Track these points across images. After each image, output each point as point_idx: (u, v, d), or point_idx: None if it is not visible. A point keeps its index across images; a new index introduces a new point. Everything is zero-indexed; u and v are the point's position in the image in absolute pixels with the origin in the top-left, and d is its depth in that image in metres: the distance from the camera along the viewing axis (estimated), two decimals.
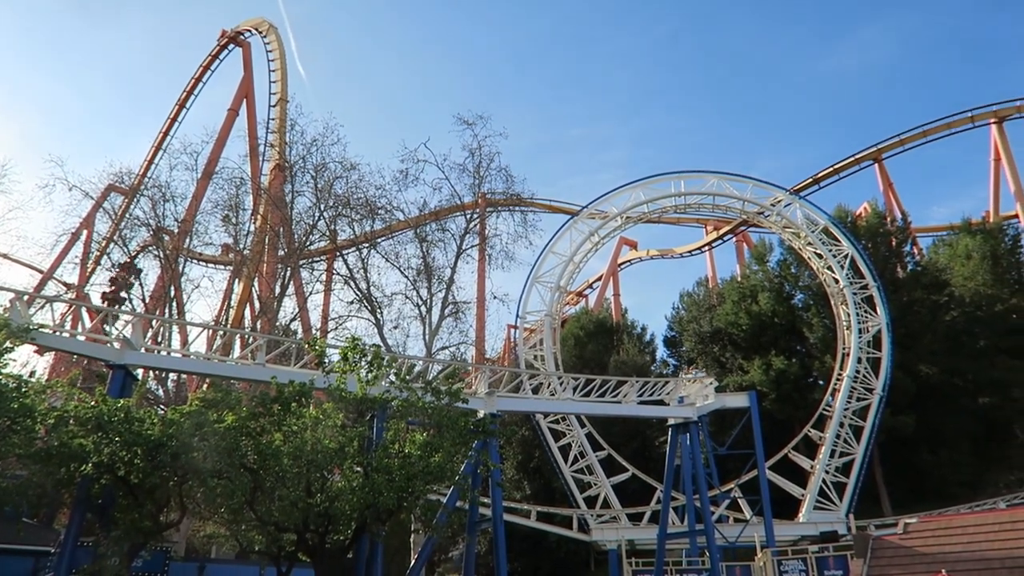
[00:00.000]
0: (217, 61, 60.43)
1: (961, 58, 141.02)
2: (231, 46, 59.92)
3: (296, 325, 41.61)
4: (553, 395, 32.56)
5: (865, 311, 41.39)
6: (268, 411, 19.61)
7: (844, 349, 41.48)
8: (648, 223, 59.34)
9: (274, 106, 52.54)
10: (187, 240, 38.07)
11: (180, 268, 36.78)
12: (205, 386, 27.74)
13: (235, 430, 18.34)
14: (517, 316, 43.61)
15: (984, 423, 42.86)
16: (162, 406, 35.30)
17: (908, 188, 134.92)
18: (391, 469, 18.71)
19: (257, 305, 39.32)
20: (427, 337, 36.17)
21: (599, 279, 69.93)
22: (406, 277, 37.42)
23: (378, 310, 36.44)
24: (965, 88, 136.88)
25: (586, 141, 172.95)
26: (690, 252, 67.87)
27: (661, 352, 58.37)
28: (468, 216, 39.55)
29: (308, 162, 37.17)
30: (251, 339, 26.08)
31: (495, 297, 40.69)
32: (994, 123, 53.78)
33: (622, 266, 70.96)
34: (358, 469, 19.41)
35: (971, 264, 46.99)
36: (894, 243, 49.22)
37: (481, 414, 25.85)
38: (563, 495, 40.79)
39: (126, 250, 36.98)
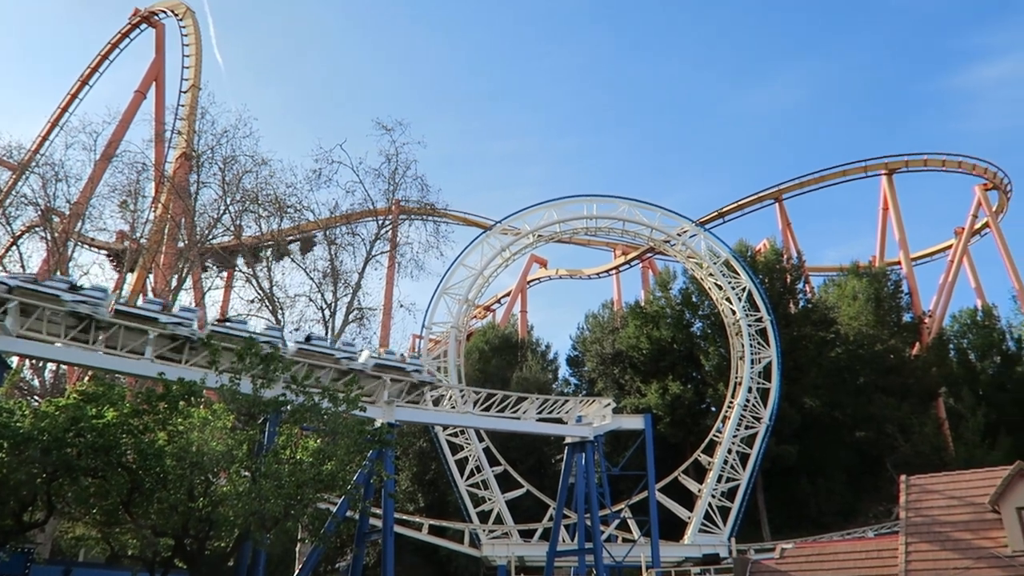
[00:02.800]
0: (127, 40, 57.67)
1: (862, 110, 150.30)
2: (144, 25, 57.34)
3: None
4: (454, 408, 32.46)
5: (758, 343, 43.21)
6: (153, 409, 18.69)
7: (737, 378, 43.13)
8: (559, 243, 60.42)
9: (185, 92, 50.54)
10: (79, 224, 36.03)
11: (69, 252, 34.75)
12: (87, 379, 26.26)
13: (115, 427, 17.37)
14: (423, 326, 43.35)
15: (859, 456, 45.40)
16: (36, 397, 33.20)
17: (805, 228, 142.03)
18: (280, 475, 18.13)
19: (151, 297, 37.54)
20: (328, 342, 35.37)
21: (508, 294, 70.28)
22: (311, 279, 36.58)
23: (280, 311, 35.44)
24: (862, 139, 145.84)
25: (507, 156, 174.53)
26: (598, 274, 69.15)
27: (564, 371, 59.21)
28: (380, 222, 39.09)
29: (217, 153, 35.90)
30: None
31: (402, 306, 40.19)
32: (884, 175, 57.35)
33: (531, 283, 71.59)
34: (245, 474, 18.72)
35: (856, 305, 49.84)
36: (789, 280, 51.69)
37: (379, 423, 25.51)
38: (457, 509, 40.59)
39: (9, 229, 34.66)
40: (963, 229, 59.39)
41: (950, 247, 61.86)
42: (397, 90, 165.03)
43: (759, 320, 43.53)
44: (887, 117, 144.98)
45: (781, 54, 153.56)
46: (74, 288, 22.28)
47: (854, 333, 49.01)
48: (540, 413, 32.84)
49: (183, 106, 49.15)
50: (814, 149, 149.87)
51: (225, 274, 39.29)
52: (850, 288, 51.38)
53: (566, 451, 33.87)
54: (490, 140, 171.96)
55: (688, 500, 40.23)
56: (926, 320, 53.07)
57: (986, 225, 59.63)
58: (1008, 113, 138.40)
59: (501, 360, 53.72)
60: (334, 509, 25.65)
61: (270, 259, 36.39)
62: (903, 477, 24.66)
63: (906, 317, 51.93)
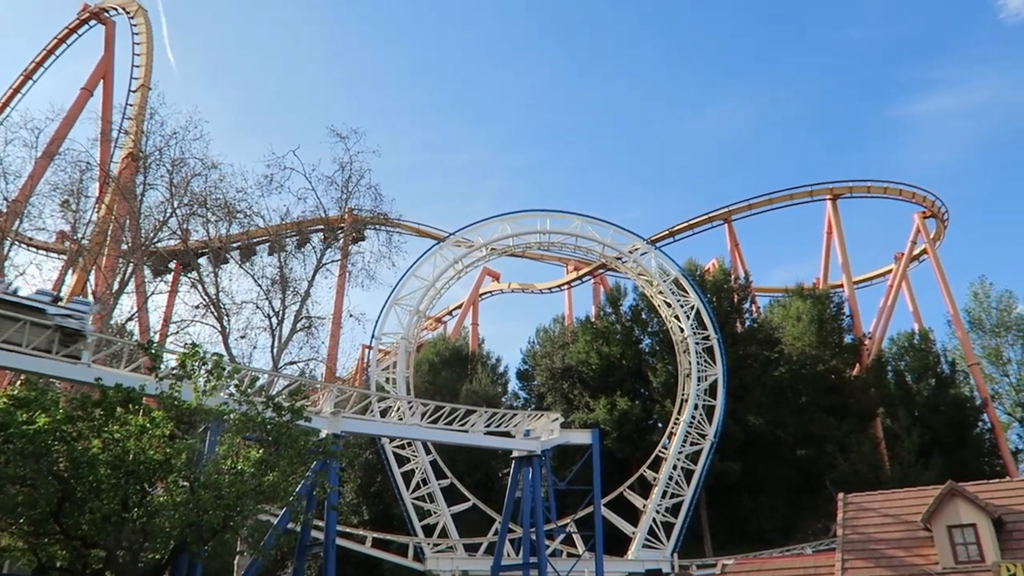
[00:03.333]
0: (75, 35, 56.23)
1: (809, 135, 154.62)
2: (93, 22, 55.98)
3: (132, 326, 38.90)
4: (401, 420, 32.15)
5: (705, 361, 43.87)
6: (88, 415, 18.04)
7: (683, 395, 43.69)
8: (512, 256, 60.53)
9: (134, 91, 49.38)
10: (16, 222, 34.81)
11: (4, 251, 33.53)
12: (19, 383, 25.28)
13: (47, 433, 16.71)
14: (373, 336, 42.93)
15: (800, 473, 46.34)
16: None
17: (752, 249, 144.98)
18: (220, 486, 17.69)
19: (91, 300, 36.43)
20: (275, 350, 34.79)
21: (459, 307, 70.10)
22: (259, 286, 35.89)
23: (225, 317, 34.71)
24: (809, 164, 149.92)
25: (463, 168, 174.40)
26: (550, 289, 69.50)
27: (513, 384, 59.18)
28: (332, 230, 38.66)
29: (165, 155, 35.08)
30: None
31: (351, 315, 39.75)
32: (829, 199, 59.02)
33: (483, 296, 71.54)
34: (184, 484, 18.21)
35: (800, 325, 51.05)
36: (736, 299, 52.69)
37: (324, 434, 25.11)
38: (402, 522, 40.17)
39: None
40: (903, 255, 61.37)
41: (890, 272, 63.83)
42: (352, 99, 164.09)
43: (706, 338, 44.22)
44: (833, 143, 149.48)
45: (731, 79, 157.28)
46: None
47: (797, 353, 50.16)
48: (488, 426, 32.74)
49: (131, 105, 48.01)
50: (763, 172, 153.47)
51: (170, 278, 38.33)
52: (794, 309, 52.60)
53: (513, 465, 33.82)
54: (444, 152, 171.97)
55: (633, 515, 40.50)
56: (866, 342, 54.59)
57: (924, 251, 61.72)
58: (944, 146, 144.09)
59: (451, 372, 53.48)
60: (275, 521, 25.15)
61: (217, 264, 35.61)
62: (841, 495, 25.29)
63: (847, 339, 53.32)
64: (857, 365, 52.72)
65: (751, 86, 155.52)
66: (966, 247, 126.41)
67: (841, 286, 58.00)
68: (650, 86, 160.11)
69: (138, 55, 52.00)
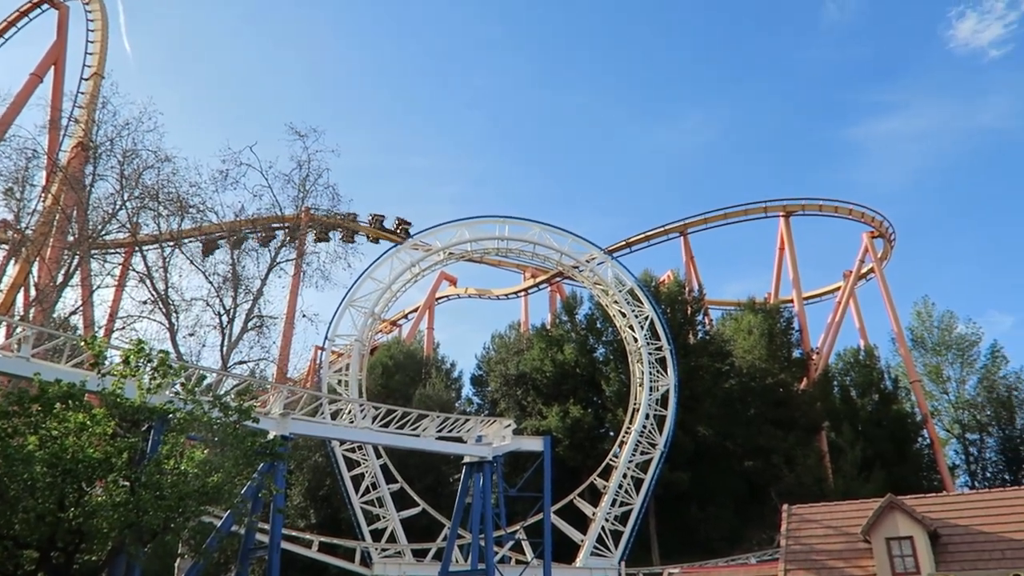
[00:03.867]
0: (26, 19, 54.51)
1: (765, 153, 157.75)
2: (45, 6, 54.35)
3: (76, 320, 37.76)
4: (352, 422, 31.79)
5: (657, 371, 44.32)
6: (25, 411, 17.40)
7: (635, 405, 44.06)
8: (470, 261, 60.39)
9: (87, 79, 48.06)
10: None
11: None
12: None
13: None
14: (326, 338, 42.43)
15: (747, 484, 47.11)
16: None
17: (707, 262, 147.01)
18: (162, 486, 17.21)
19: (33, 292, 35.29)
20: (225, 349, 34.08)
21: (415, 310, 69.75)
22: (210, 283, 35.14)
23: (174, 314, 33.90)
24: (764, 181, 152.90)
25: (425, 172, 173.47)
26: (506, 295, 69.56)
27: (467, 390, 59.08)
28: (287, 229, 38.09)
29: (117, 145, 34.12)
30: (19, 328, 23.29)
31: (304, 316, 39.13)
32: (783, 216, 60.29)
33: (440, 300, 71.27)
34: (124, 483, 17.68)
35: (751, 339, 51.98)
36: (689, 311, 53.44)
37: (272, 435, 24.67)
38: (350, 526, 39.72)
39: None
40: (851, 272, 62.93)
41: (838, 289, 65.38)
42: (314, 97, 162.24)
43: (659, 349, 44.68)
44: (788, 162, 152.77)
45: (694, 96, 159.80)
46: None
47: (747, 366, 51.06)
48: (441, 431, 32.53)
49: (83, 93, 46.71)
50: (720, 188, 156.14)
51: (117, 272, 37.30)
52: (746, 322, 53.55)
53: (464, 470, 33.68)
54: (407, 155, 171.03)
55: (582, 523, 40.65)
56: (814, 357, 55.85)
57: (871, 270, 63.42)
58: (892, 168, 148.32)
59: (405, 376, 53.16)
60: (218, 523, 24.60)
61: (168, 259, 34.78)
62: (785, 506, 25.74)
63: (796, 353, 54.49)
64: (804, 379, 53.88)
65: (713, 103, 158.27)
66: (911, 267, 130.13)
67: (791, 301, 59.23)
68: (614, 99, 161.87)
69: (92, 42, 50.66)
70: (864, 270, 64.17)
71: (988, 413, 57.93)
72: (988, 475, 57.18)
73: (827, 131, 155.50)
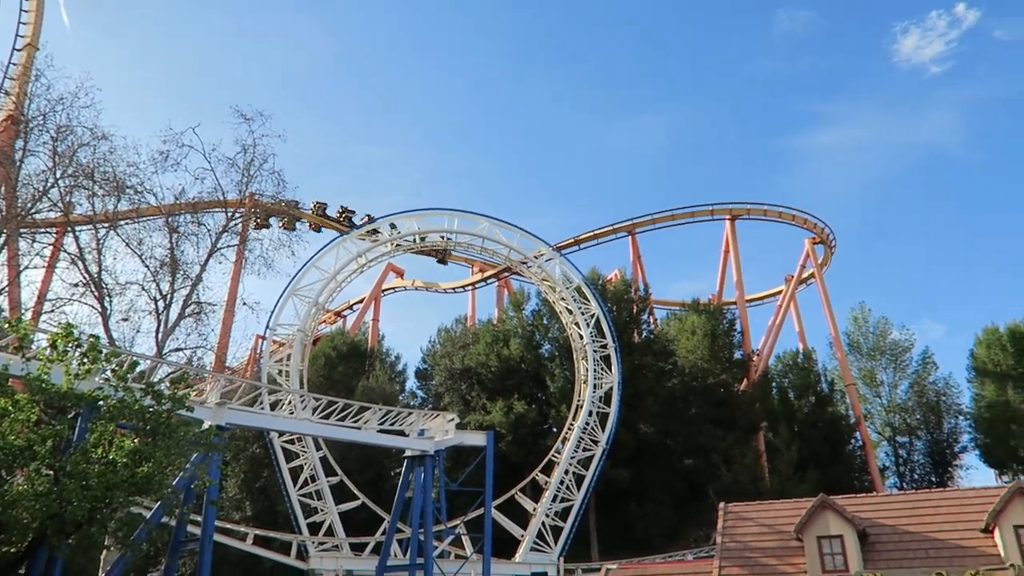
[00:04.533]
0: None
1: (714, 157, 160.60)
2: None
3: (2, 301, 36.23)
4: (292, 414, 31.34)
5: (602, 368, 44.70)
6: None
7: (579, 401, 44.37)
8: (419, 254, 60.17)
9: (19, 50, 46.13)
10: None
11: None
12: None
13: None
14: (267, 327, 41.71)
15: (687, 482, 47.88)
16: None
17: (653, 262, 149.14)
18: (88, 476, 16.60)
19: None
20: (160, 336, 33.14)
21: (360, 301, 68.94)
22: (147, 267, 34.10)
23: (107, 298, 32.79)
24: (711, 184, 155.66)
25: (379, 163, 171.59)
26: (454, 289, 69.29)
27: (411, 383, 58.80)
28: (229, 214, 37.20)
29: (50, 120, 32.81)
30: None
31: (245, 303, 38.23)
32: (728, 219, 61.39)
33: (386, 292, 70.61)
34: (48, 472, 17.01)
35: (694, 339, 52.83)
36: (635, 310, 54.03)
37: (206, 425, 24.12)
38: (287, 519, 39.14)
39: None
40: (792, 277, 64.53)
41: (780, 292, 66.92)
42: (262, 79, 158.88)
43: (604, 347, 45.06)
44: (735, 167, 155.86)
45: (647, 98, 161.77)
46: None
47: (690, 366, 51.89)
48: (383, 424, 32.27)
49: (15, 64, 44.82)
50: (668, 190, 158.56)
51: (48, 252, 35.89)
52: (690, 323, 54.39)
53: (405, 464, 33.47)
54: (359, 145, 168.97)
55: (523, 518, 40.79)
56: (754, 358, 57.03)
57: (812, 275, 65.06)
58: (834, 177, 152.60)
59: (348, 368, 52.60)
60: (148, 515, 23.94)
61: (102, 241, 33.60)
62: (722, 504, 26.24)
63: (737, 354, 55.51)
64: (745, 380, 54.96)
65: (666, 107, 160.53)
66: (850, 274, 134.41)
67: (734, 303, 60.40)
68: (573, 98, 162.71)
69: (26, 11, 48.60)
70: (805, 275, 65.80)
71: (918, 417, 60.07)
72: (916, 477, 59.32)
73: (773, 139, 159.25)
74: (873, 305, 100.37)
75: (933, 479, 57.97)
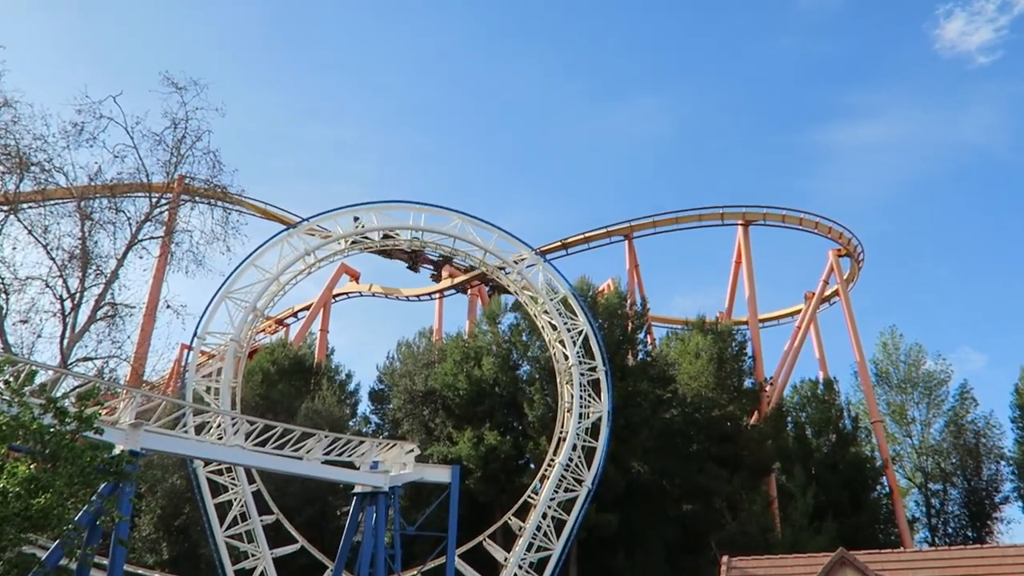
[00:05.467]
0: None
1: (725, 151, 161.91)
2: None
3: None
4: (221, 439, 31.02)
5: (589, 395, 44.73)
6: None
7: (561, 433, 44.33)
8: (377, 253, 60.03)
9: None
10: None
11: None
12: None
13: None
14: (195, 335, 41.31)
15: (683, 530, 48.00)
16: None
17: (653, 272, 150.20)
18: None
19: None
20: (66, 341, 32.70)
21: (307, 308, 68.62)
22: (53, 259, 33.64)
23: (3, 295, 32.35)
24: (723, 183, 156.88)
25: (330, 145, 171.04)
26: (418, 296, 69.18)
27: (365, 407, 58.49)
28: (154, 200, 36.85)
29: None
30: None
31: (169, 306, 37.77)
32: (741, 225, 61.92)
33: (337, 297, 70.35)
34: None
35: (698, 364, 53.05)
36: (630, 327, 54.20)
37: (118, 450, 23.80)
38: (211, 565, 38.71)
39: None
40: (813, 294, 65.11)
41: (798, 312, 67.61)
42: (197, 41, 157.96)
43: (593, 369, 45.13)
44: (749, 164, 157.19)
45: (645, 78, 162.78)
46: None
47: (692, 394, 52.11)
48: (329, 454, 32.05)
49: None
50: (671, 187, 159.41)
51: None
52: (693, 344, 54.62)
53: (354, 502, 33.28)
54: (309, 122, 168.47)
55: (492, 570, 40.62)
56: (767, 388, 57.47)
57: (836, 293, 65.78)
58: (864, 179, 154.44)
59: (289, 386, 52.31)
60: (44, 556, 23.55)
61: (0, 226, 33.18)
62: (725, 558, 26.35)
63: (747, 383, 55.90)
64: (755, 413, 55.32)
65: (668, 90, 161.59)
66: (879, 292, 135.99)
67: (745, 323, 60.86)
68: (560, 75, 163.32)
69: None
70: (828, 292, 66.47)
71: (953, 461, 60.72)
72: (950, 531, 59.93)
73: (794, 133, 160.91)
74: (905, 330, 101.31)
75: (970, 533, 58.59)
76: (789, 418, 57.41)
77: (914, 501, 62.68)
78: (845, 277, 64.88)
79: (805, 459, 53.11)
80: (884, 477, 56.15)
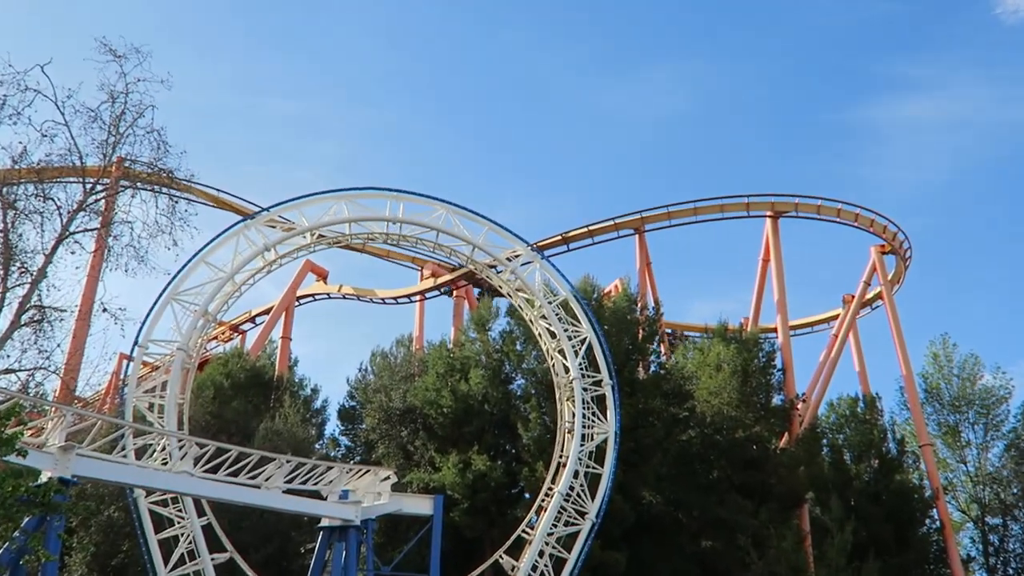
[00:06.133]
0: None
1: (753, 132, 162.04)
2: None
3: None
4: (166, 464, 31.04)
5: (593, 413, 44.69)
6: None
7: (561, 458, 44.29)
8: (348, 249, 59.98)
9: None
10: None
11: None
12: None
13: None
14: (136, 343, 41.14)
15: (701, 570, 47.98)
16: None
17: (667, 271, 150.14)
18: None
19: None
20: None
21: (267, 312, 68.61)
22: None
23: None
24: (748, 169, 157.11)
25: (293, 122, 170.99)
26: (395, 298, 69.21)
27: (333, 426, 58.51)
28: (89, 186, 36.77)
29: None
30: None
31: (106, 310, 37.66)
32: (770, 216, 61.99)
33: (302, 300, 70.37)
34: None
35: (720, 377, 53.10)
36: (641, 335, 54.16)
37: (45, 477, 23.81)
38: None
39: None
40: (852, 297, 65.23)
41: (836, 318, 67.73)
42: (139, 3, 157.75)
43: (598, 384, 45.10)
44: (779, 146, 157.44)
45: (660, 45, 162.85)
46: None
47: (713, 413, 52.15)
48: (291, 482, 32.06)
49: None
50: (688, 173, 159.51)
51: None
52: (714, 355, 54.65)
53: (321, 537, 33.29)
54: (268, 96, 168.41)
55: None
56: (799, 406, 57.49)
57: (879, 296, 65.88)
58: (916, 165, 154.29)
59: (246, 403, 52.29)
60: None
61: None
62: None
63: (776, 399, 55.98)
64: (786, 435, 55.39)
65: (686, 58, 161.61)
66: (929, 296, 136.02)
67: (774, 330, 60.90)
68: (560, 41, 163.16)
69: None
70: (870, 295, 66.63)
71: (1015, 492, 60.84)
72: (1011, 571, 60.10)
73: (834, 109, 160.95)
74: (959, 339, 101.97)
75: None
76: (824, 441, 57.47)
77: (969, 537, 62.87)
78: (890, 278, 64.98)
79: (843, 488, 53.17)
80: (934, 509, 56.23)
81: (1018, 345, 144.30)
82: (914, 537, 53.54)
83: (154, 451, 32.31)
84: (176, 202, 38.56)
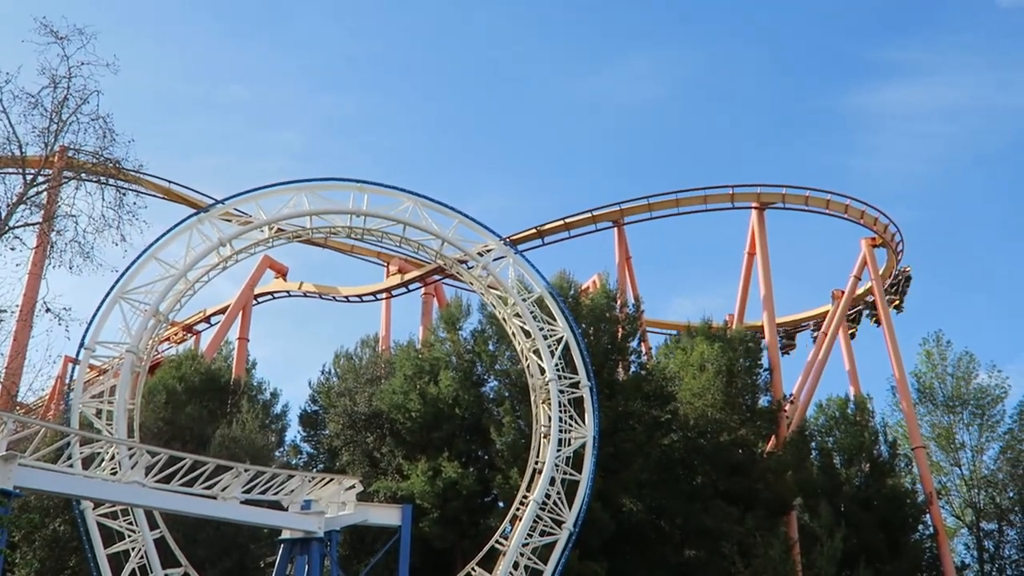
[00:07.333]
0: None
1: (735, 120, 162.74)
2: None
3: None
4: (115, 474, 30.84)
5: (571, 417, 44.75)
6: None
7: (536, 464, 44.32)
8: (309, 244, 59.74)
9: None
10: None
11: None
12: None
13: None
14: (82, 345, 40.81)
15: None
16: None
17: (648, 266, 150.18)
18: None
19: None
20: None
21: (222, 311, 68.22)
22: None
23: None
24: (732, 158, 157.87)
25: (249, 108, 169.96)
26: (360, 296, 69.00)
27: (294, 433, 58.29)
28: (30, 177, 36.48)
29: None
30: None
31: (49, 310, 37.36)
32: (756, 208, 62.27)
33: (260, 298, 70.04)
34: None
35: (703, 378, 53.30)
36: (620, 334, 54.25)
37: None
38: None
39: None
40: (842, 293, 65.69)
41: (825, 314, 68.12)
42: None
43: (575, 385, 45.14)
44: (765, 134, 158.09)
45: (637, 31, 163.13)
46: None
47: (696, 415, 52.36)
48: (250, 491, 31.91)
49: None
50: (670, 163, 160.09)
51: None
52: (697, 354, 54.83)
53: (282, 550, 33.18)
54: (222, 81, 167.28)
55: None
56: (786, 407, 57.84)
57: (870, 291, 66.33)
58: (904, 154, 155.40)
59: (201, 408, 51.97)
60: None
61: None
62: None
63: (762, 401, 56.29)
64: (773, 438, 55.73)
65: (665, 44, 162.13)
66: (922, 292, 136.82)
67: (760, 328, 61.19)
68: (534, 24, 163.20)
69: None
70: (860, 291, 67.04)
71: (1011, 495, 61.53)
72: None
73: (822, 96, 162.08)
74: (953, 337, 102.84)
75: None
76: (813, 444, 57.91)
77: (963, 544, 63.64)
78: (881, 272, 65.47)
79: (832, 494, 53.64)
80: (927, 515, 56.80)
81: (1014, 342, 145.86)
82: (906, 544, 54.09)
83: (102, 460, 32.14)
84: (124, 194, 38.25)
